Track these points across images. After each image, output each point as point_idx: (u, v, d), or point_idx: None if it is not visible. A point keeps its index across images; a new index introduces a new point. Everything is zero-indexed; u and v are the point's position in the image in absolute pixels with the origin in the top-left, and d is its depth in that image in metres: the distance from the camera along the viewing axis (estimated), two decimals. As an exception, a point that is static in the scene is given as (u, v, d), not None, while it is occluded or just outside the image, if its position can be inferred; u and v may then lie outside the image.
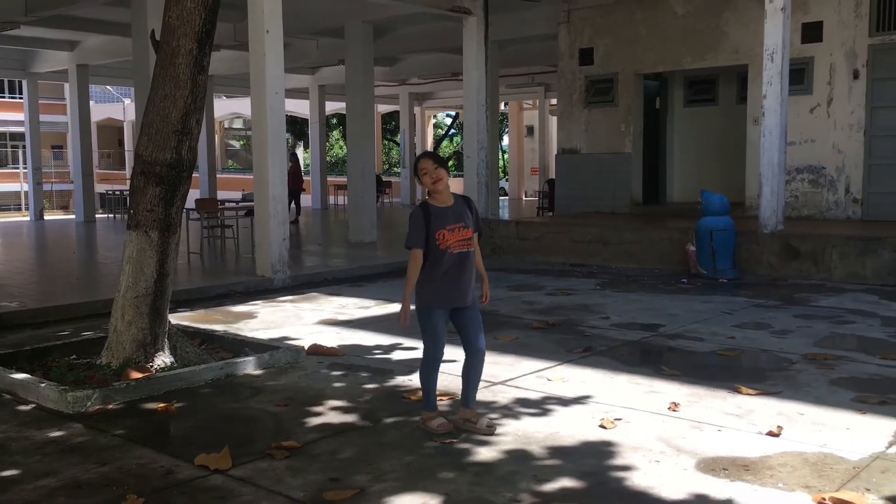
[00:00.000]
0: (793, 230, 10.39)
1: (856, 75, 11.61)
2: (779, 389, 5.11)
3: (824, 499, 3.45)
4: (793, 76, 10.81)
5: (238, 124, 44.74)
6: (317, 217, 21.34)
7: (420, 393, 5.07)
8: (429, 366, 4.44)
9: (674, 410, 4.72)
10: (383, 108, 32.01)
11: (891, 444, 4.13)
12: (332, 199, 25.73)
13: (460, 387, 5.22)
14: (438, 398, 4.98)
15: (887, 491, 3.56)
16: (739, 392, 5.04)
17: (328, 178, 26.07)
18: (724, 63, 13.13)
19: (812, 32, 11.89)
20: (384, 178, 28.46)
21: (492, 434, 4.28)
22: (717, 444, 4.16)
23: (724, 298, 8.67)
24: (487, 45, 12.91)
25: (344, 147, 47.11)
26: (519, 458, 4.00)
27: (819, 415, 4.61)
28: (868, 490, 3.57)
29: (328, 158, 31.66)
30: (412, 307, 4.37)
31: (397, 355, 6.23)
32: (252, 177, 10.70)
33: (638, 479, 3.72)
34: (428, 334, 4.40)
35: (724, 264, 10.03)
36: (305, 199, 22.12)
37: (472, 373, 4.45)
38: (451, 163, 47.70)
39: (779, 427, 4.34)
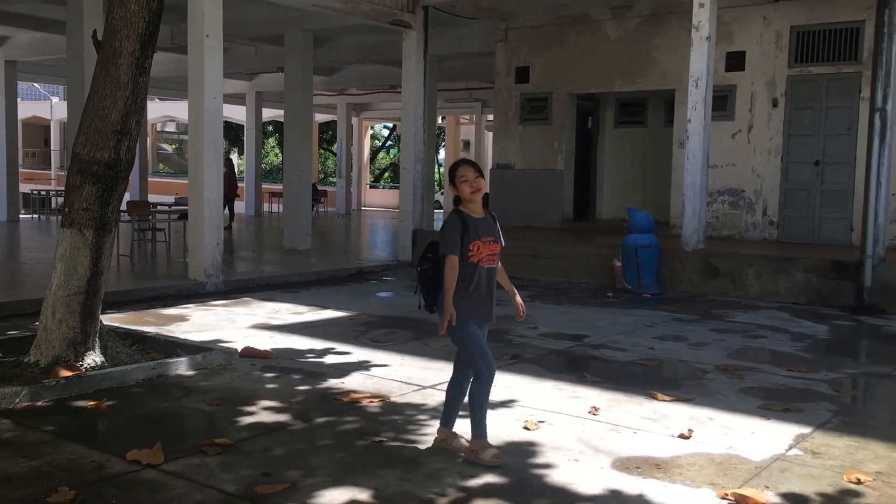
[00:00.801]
0: (713, 249, 10.86)
1: (775, 104, 12.22)
2: (692, 396, 5.41)
3: (727, 494, 3.72)
4: (716, 102, 11.33)
5: (171, 127, 44.02)
6: (251, 224, 21.20)
7: (353, 395, 5.23)
8: (486, 383, 4.06)
9: (594, 414, 4.96)
10: (321, 118, 31.95)
11: (791, 447, 4.45)
12: (266, 207, 25.56)
13: (395, 391, 5.42)
14: (369, 400, 5.15)
15: (784, 488, 3.86)
16: (656, 398, 5.32)
17: (263, 186, 25.91)
18: (653, 87, 13.65)
19: (735, 61, 12.48)
20: (320, 188, 28.41)
21: (498, 465, 3.97)
22: (632, 445, 4.41)
23: (647, 312, 9.03)
24: (427, 59, 13.15)
25: (279, 154, 46.85)
26: (446, 457, 4.16)
27: (727, 420, 4.91)
28: (767, 487, 3.85)
29: (263, 166, 31.44)
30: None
31: (330, 359, 6.34)
32: (184, 181, 10.67)
33: (558, 476, 3.93)
34: (475, 349, 4.05)
35: (648, 280, 10.43)
36: (239, 206, 21.96)
37: (474, 395, 4.10)
38: (387, 174, 47.94)
39: (690, 430, 4.62)
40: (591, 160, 15.81)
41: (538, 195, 14.52)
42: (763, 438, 4.58)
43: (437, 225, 19.83)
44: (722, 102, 12.23)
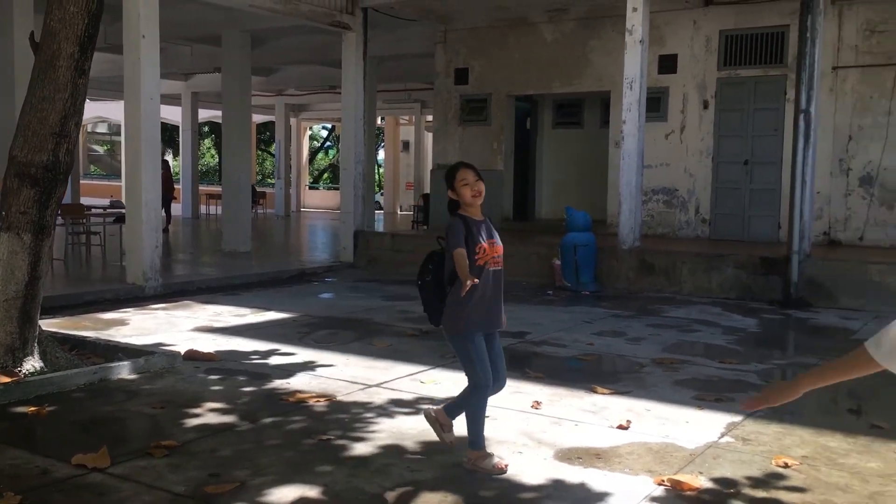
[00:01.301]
0: (649, 247, 11.17)
1: (705, 105, 12.62)
2: (630, 389, 5.60)
3: (663, 480, 3.90)
4: (650, 104, 11.64)
5: (102, 128, 42.89)
6: (188, 226, 20.89)
7: (299, 395, 5.27)
8: (481, 396, 3.98)
9: (536, 408, 5.11)
10: (258, 118, 31.59)
11: (723, 435, 4.66)
12: (203, 209, 25.19)
13: (342, 390, 5.47)
14: (316, 399, 5.20)
15: (717, 473, 4.05)
16: (595, 392, 5.50)
17: (199, 187, 25.53)
18: (589, 89, 13.95)
19: (668, 64, 12.84)
20: (258, 189, 28.10)
21: (503, 472, 3.96)
22: (573, 437, 4.56)
23: (586, 309, 9.25)
24: (366, 60, 13.18)
25: (216, 156, 46.13)
26: (393, 453, 4.25)
27: (663, 411, 5.11)
28: (701, 473, 4.04)
29: (199, 167, 30.95)
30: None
31: (274, 360, 6.36)
32: (116, 182, 10.51)
33: (502, 468, 4.05)
34: (475, 360, 3.94)
35: (587, 278, 10.67)
36: (176, 208, 21.59)
37: (472, 408, 4.04)
38: (326, 175, 47.63)
39: (628, 421, 4.80)
40: (530, 160, 16.05)
41: (478, 195, 14.66)
42: (697, 427, 4.78)
43: (379, 226, 19.86)
44: (655, 104, 12.56)
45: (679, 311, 9.11)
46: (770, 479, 3.98)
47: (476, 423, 4.01)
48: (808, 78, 9.71)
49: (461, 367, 4.09)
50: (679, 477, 3.92)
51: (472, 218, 3.96)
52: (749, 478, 3.99)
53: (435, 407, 4.28)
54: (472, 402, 4.01)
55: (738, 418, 4.97)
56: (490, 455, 4.01)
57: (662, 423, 4.85)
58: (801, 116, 9.76)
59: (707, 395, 5.49)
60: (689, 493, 3.78)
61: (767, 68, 12.14)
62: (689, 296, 10.22)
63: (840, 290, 9.53)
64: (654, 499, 3.73)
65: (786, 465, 4.15)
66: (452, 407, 4.18)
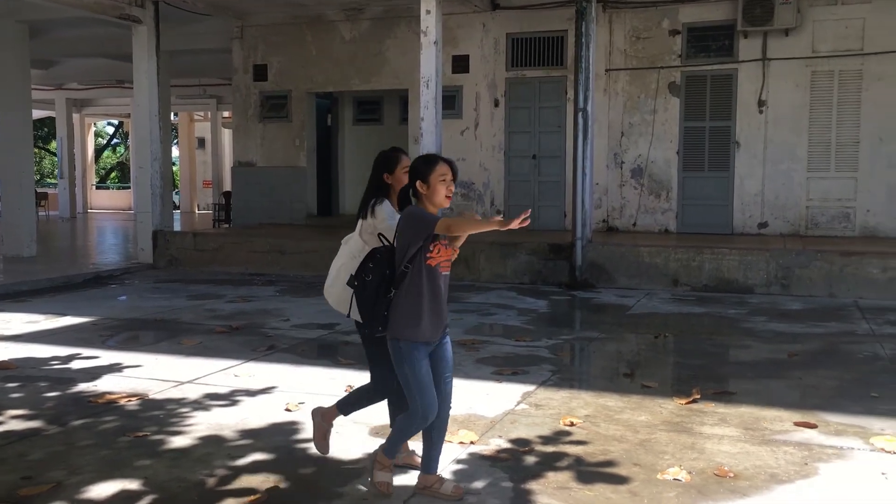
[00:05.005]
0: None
1: (496, 103, 13.42)
2: (436, 369, 6.01)
3: (463, 442, 4.32)
4: (446, 102, 12.22)
5: None
6: (-42, 231, 19.09)
7: (108, 396, 5.20)
8: (417, 425, 3.51)
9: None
10: (34, 114, 29.34)
11: (519, 403, 5.17)
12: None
13: (153, 388, 5.45)
14: (127, 399, 5.17)
15: (514, 435, 4.53)
16: (404, 373, 5.84)
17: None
18: (387, 86, 14.36)
19: (461, 64, 13.52)
20: (38, 190, 26.12)
21: (460, 498, 3.58)
22: (386, 416, 4.82)
23: (392, 299, 9.61)
24: (159, 55, 12.77)
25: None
26: (213, 442, 4.36)
27: (467, 386, 5.55)
28: (500, 436, 4.50)
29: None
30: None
31: (77, 364, 6.17)
32: None
33: (321, 447, 4.29)
34: (415, 386, 3.45)
35: (392, 269, 11.04)
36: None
37: (435, 425, 3.56)
38: (114, 174, 45.04)
39: (435, 397, 5.19)
40: (333, 156, 16.24)
41: (282, 192, 14.70)
42: (497, 398, 5.26)
43: (177, 226, 19.21)
44: (451, 102, 13.19)
45: (479, 297, 9.71)
46: (558, 437, 4.51)
47: (398, 438, 3.64)
48: (585, 79, 10.66)
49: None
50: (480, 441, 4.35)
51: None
52: (541, 437, 4.50)
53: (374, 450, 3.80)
54: (405, 424, 3.57)
55: (531, 388, 5.51)
56: (389, 470, 3.65)
57: (467, 396, 5.28)
58: (580, 114, 10.69)
59: (505, 369, 6.01)
60: (488, 453, 4.21)
61: (550, 69, 13.12)
62: (487, 282, 10.89)
63: (617, 271, 10.56)
64: (459, 461, 4.12)
65: (571, 424, 4.71)
66: (389, 444, 3.68)
